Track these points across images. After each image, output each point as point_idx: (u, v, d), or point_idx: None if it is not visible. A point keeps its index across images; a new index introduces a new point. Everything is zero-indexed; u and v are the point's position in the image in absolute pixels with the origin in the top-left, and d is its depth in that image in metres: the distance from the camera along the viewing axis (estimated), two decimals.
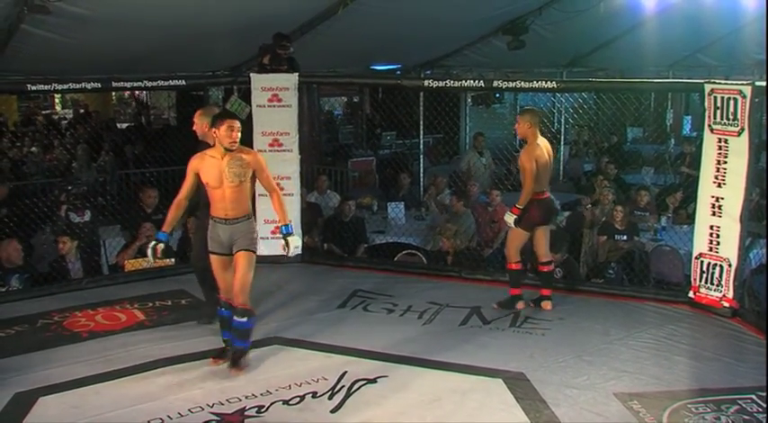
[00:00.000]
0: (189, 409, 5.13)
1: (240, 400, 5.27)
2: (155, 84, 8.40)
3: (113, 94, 20.90)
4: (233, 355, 5.75)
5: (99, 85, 8.05)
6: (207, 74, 10.00)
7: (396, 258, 8.99)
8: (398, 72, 12.97)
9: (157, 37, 8.67)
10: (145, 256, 8.19)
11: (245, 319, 5.67)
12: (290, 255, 5.89)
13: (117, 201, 10.68)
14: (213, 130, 5.58)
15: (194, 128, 6.45)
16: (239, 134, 5.57)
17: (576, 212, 9.90)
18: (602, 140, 14.97)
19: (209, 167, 5.62)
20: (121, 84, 8.82)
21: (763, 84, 7.03)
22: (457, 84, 8.30)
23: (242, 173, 5.58)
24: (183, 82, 8.64)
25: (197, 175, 5.67)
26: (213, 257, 5.76)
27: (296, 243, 5.79)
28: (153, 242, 5.83)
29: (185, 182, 5.75)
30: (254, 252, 5.72)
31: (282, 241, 5.79)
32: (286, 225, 5.79)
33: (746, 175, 6.70)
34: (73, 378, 5.61)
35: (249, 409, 5.16)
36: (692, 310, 7.12)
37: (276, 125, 8.52)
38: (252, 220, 5.77)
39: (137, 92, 21.71)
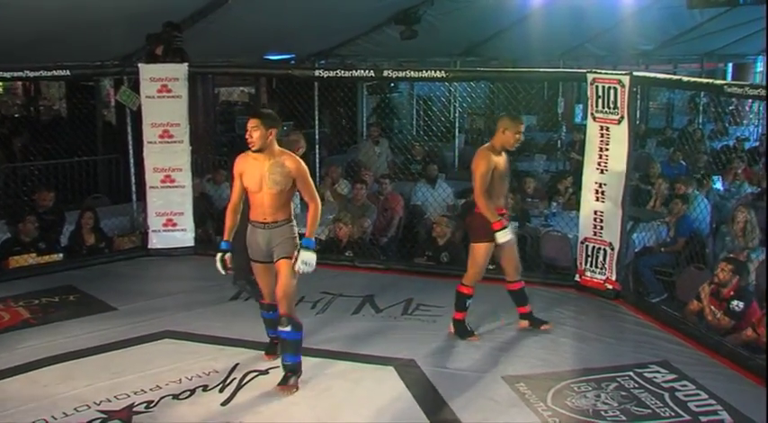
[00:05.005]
0: (75, 408, 5.03)
1: (129, 396, 5.20)
2: (37, 73, 8.10)
3: None
4: (284, 373, 5.35)
5: None
6: (95, 64, 9.71)
7: None
8: (292, 62, 12.90)
9: (41, 23, 8.34)
10: (30, 252, 7.99)
11: (289, 329, 5.28)
12: (296, 269, 5.26)
13: (2, 196, 10.28)
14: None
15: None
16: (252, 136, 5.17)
17: (469, 200, 10.04)
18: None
19: (251, 170, 5.28)
20: (0, 73, 8.32)
21: (642, 74, 7.34)
22: (347, 73, 8.27)
23: (282, 181, 5.22)
24: (68, 72, 8.34)
25: (241, 177, 5.35)
26: (254, 265, 5.46)
27: (305, 258, 5.23)
28: (220, 254, 5.38)
29: (234, 185, 5.43)
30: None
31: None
32: (308, 239, 5.32)
33: (627, 161, 6.97)
34: None
35: (138, 404, 5.09)
36: (578, 293, 7.38)
37: (166, 116, 8.38)
38: (293, 224, 5.39)
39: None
